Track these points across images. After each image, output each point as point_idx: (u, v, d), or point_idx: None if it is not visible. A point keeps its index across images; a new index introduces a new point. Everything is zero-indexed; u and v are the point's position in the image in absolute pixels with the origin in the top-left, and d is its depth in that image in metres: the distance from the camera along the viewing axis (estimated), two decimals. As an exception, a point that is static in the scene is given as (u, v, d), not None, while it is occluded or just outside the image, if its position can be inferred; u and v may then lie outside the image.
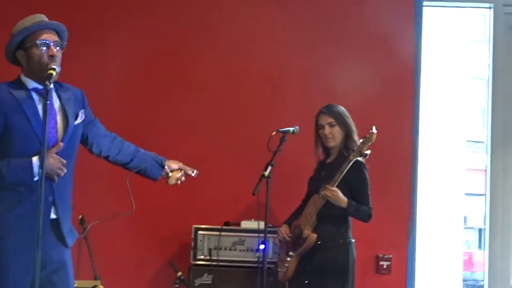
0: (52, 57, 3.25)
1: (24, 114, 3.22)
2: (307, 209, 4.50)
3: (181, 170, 3.65)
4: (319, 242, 4.40)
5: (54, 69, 3.19)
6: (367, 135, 4.31)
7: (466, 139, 12.90)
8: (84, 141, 3.48)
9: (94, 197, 5.11)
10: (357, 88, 5.35)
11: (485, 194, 5.54)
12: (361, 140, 4.35)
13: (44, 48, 3.26)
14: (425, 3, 5.49)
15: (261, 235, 4.51)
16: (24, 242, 3.14)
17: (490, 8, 5.57)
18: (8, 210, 3.19)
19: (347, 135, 4.53)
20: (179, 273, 4.85)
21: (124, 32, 5.43)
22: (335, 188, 4.35)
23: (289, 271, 4.49)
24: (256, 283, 4.45)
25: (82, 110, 3.42)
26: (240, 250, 4.88)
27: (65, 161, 3.23)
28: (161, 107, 5.39)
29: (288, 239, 4.55)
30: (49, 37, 3.29)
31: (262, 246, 4.54)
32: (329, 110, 4.57)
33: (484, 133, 6.26)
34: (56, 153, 3.21)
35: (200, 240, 4.88)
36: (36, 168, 3.16)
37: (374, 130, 4.31)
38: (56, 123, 3.30)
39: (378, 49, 5.42)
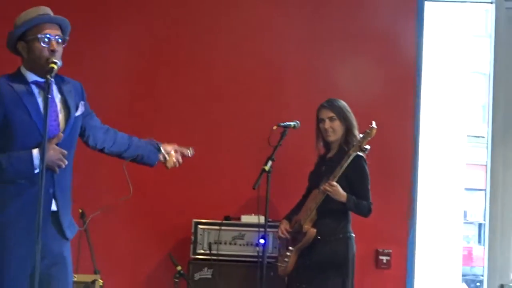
0: (53, 52, 3.23)
1: (25, 108, 3.20)
2: (307, 204, 4.51)
3: (177, 151, 3.65)
4: (319, 237, 4.41)
5: (55, 63, 3.17)
6: (367, 130, 4.31)
7: (467, 134, 12.90)
8: (82, 133, 3.47)
9: (94, 191, 5.10)
10: (358, 83, 5.34)
11: (485, 189, 5.54)
12: (361, 135, 4.36)
13: (46, 42, 3.24)
14: (426, -2, 5.50)
15: (261, 229, 4.51)
16: (24, 235, 3.14)
17: (491, 3, 5.56)
18: (9, 203, 3.18)
19: (348, 130, 4.53)
20: (179, 267, 4.84)
21: (126, 30, 5.42)
22: (334, 183, 4.35)
23: (289, 265, 4.49)
24: (256, 278, 4.45)
25: (82, 102, 3.41)
26: (240, 245, 4.88)
27: (66, 152, 3.22)
28: (162, 102, 5.39)
29: (287, 236, 4.55)
30: (52, 31, 3.26)
31: (262, 241, 4.54)
32: (330, 104, 4.57)
33: (484, 128, 6.26)
34: (57, 145, 3.20)
35: (200, 234, 4.88)
36: (36, 161, 3.15)
37: (374, 124, 4.31)
38: (57, 115, 3.28)
39: (379, 45, 5.41)
